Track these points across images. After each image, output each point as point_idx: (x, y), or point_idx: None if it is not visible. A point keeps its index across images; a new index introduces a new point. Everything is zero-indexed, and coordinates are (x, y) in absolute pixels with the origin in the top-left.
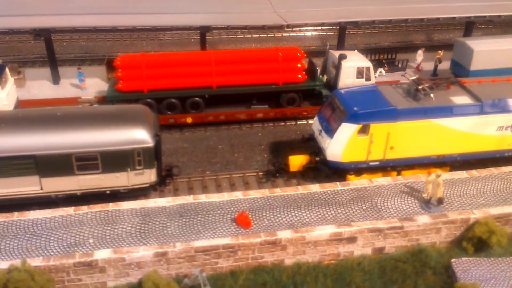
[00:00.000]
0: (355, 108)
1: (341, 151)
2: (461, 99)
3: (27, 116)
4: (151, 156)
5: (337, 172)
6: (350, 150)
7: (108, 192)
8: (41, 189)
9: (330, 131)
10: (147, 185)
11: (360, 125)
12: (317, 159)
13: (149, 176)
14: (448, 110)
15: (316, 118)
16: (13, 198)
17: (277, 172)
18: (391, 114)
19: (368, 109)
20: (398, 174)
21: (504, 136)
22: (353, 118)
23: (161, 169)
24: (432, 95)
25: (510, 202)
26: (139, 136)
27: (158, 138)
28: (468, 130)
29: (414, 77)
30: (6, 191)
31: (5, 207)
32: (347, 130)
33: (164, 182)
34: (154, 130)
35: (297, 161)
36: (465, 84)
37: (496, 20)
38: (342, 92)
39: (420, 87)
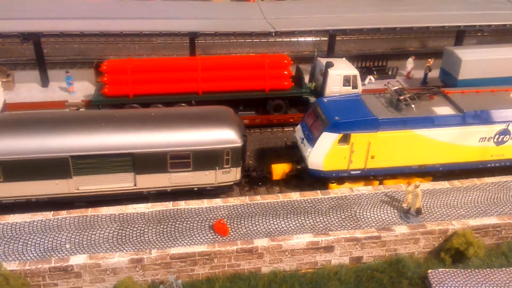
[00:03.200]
0: (336, 117)
1: (322, 160)
2: (443, 110)
3: (123, 116)
4: (238, 156)
5: (319, 180)
6: (331, 159)
7: (195, 189)
8: (135, 185)
9: (311, 140)
10: (232, 183)
11: (341, 135)
12: (299, 167)
13: (235, 174)
14: (429, 121)
15: (299, 126)
16: (107, 194)
17: (259, 180)
18: (371, 124)
19: (349, 118)
20: (380, 183)
21: (487, 147)
22: (334, 127)
23: (244, 169)
24: (413, 105)
25: (490, 213)
26: (229, 136)
27: (245, 138)
28: (450, 141)
29: (396, 87)
30: (102, 187)
31: (98, 202)
32: (328, 139)
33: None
34: (241, 130)
35: (279, 169)
36: (448, 94)
37: (486, 30)
38: (325, 100)
39: (402, 97)
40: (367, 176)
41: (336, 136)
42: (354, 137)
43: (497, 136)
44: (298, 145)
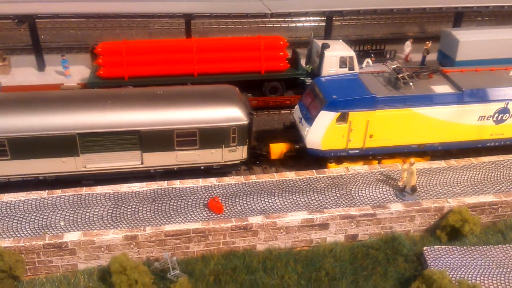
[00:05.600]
0: (334, 96)
1: (320, 139)
2: (442, 88)
3: (130, 94)
4: (244, 134)
5: (316, 161)
6: (329, 138)
7: (202, 167)
8: (142, 163)
9: (309, 119)
10: (238, 162)
11: (339, 113)
12: (297, 146)
13: (241, 153)
14: (428, 99)
15: (297, 106)
16: (114, 172)
17: (257, 159)
18: (369, 102)
19: (346, 97)
20: (379, 162)
21: (486, 126)
22: (331, 105)
23: (251, 148)
24: (411, 83)
25: (486, 191)
26: (235, 114)
27: (251, 116)
28: (448, 119)
29: (394, 66)
30: (109, 165)
31: (105, 180)
32: (325, 118)
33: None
34: (247, 108)
35: (277, 148)
36: (447, 73)
37: (485, 11)
38: (323, 79)
39: (400, 75)
40: (365, 155)
41: (334, 115)
42: (352, 115)
43: (496, 114)
44: (296, 125)
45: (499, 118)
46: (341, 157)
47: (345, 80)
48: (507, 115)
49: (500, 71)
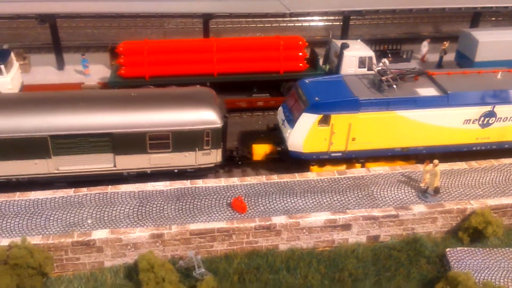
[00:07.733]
0: (316, 98)
1: (301, 141)
2: (427, 91)
3: (102, 96)
4: (218, 137)
5: (300, 163)
6: (311, 141)
7: (176, 171)
8: (114, 166)
9: (291, 121)
10: (213, 165)
11: (321, 116)
12: (279, 149)
13: (215, 156)
14: (411, 102)
15: (280, 108)
16: (86, 174)
17: (240, 160)
18: (352, 104)
19: (329, 99)
20: (363, 166)
21: (472, 130)
22: (313, 108)
23: (226, 151)
24: (395, 86)
25: (508, 193)
26: (209, 117)
27: (226, 119)
28: (433, 123)
29: (379, 68)
30: (81, 168)
31: (79, 183)
32: (307, 120)
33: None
34: (222, 111)
35: (261, 149)
36: (433, 75)
37: (503, 11)
38: (306, 81)
39: (384, 78)
40: (348, 158)
41: (315, 117)
42: (334, 118)
43: (482, 118)
44: (279, 127)
45: (485, 122)
46: (323, 160)
47: (329, 82)
48: (493, 118)
49: (488, 74)
